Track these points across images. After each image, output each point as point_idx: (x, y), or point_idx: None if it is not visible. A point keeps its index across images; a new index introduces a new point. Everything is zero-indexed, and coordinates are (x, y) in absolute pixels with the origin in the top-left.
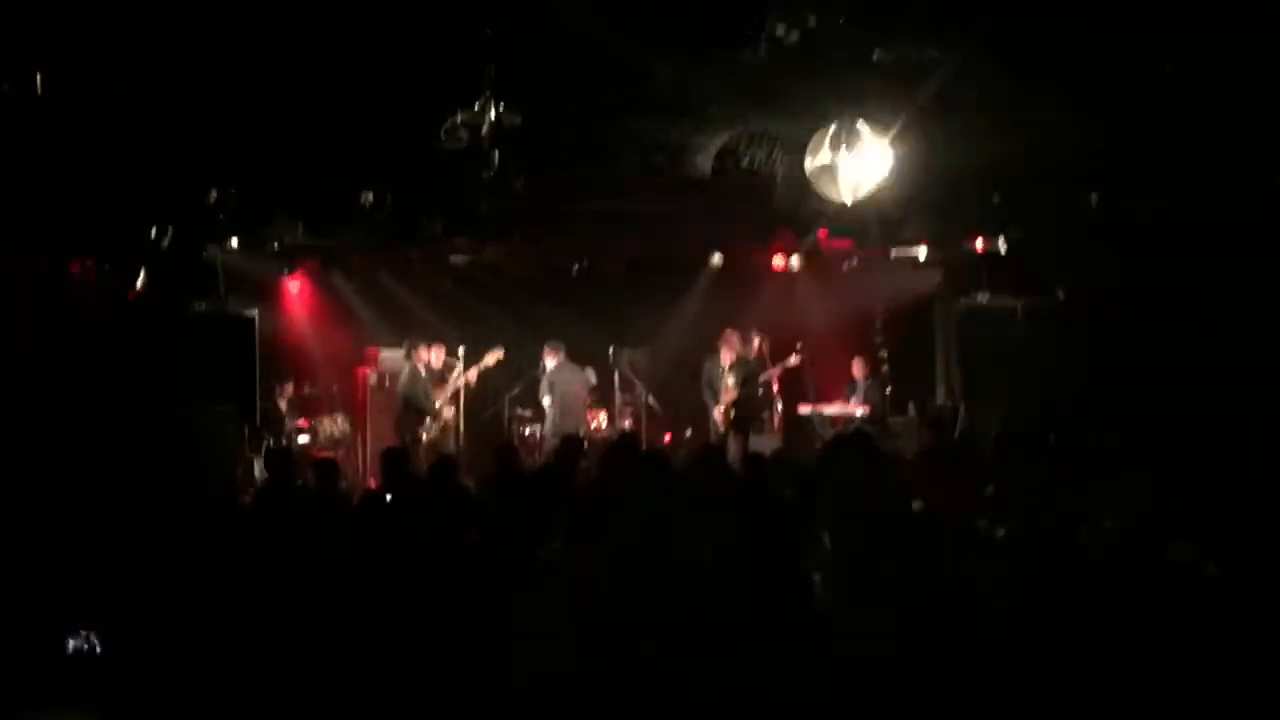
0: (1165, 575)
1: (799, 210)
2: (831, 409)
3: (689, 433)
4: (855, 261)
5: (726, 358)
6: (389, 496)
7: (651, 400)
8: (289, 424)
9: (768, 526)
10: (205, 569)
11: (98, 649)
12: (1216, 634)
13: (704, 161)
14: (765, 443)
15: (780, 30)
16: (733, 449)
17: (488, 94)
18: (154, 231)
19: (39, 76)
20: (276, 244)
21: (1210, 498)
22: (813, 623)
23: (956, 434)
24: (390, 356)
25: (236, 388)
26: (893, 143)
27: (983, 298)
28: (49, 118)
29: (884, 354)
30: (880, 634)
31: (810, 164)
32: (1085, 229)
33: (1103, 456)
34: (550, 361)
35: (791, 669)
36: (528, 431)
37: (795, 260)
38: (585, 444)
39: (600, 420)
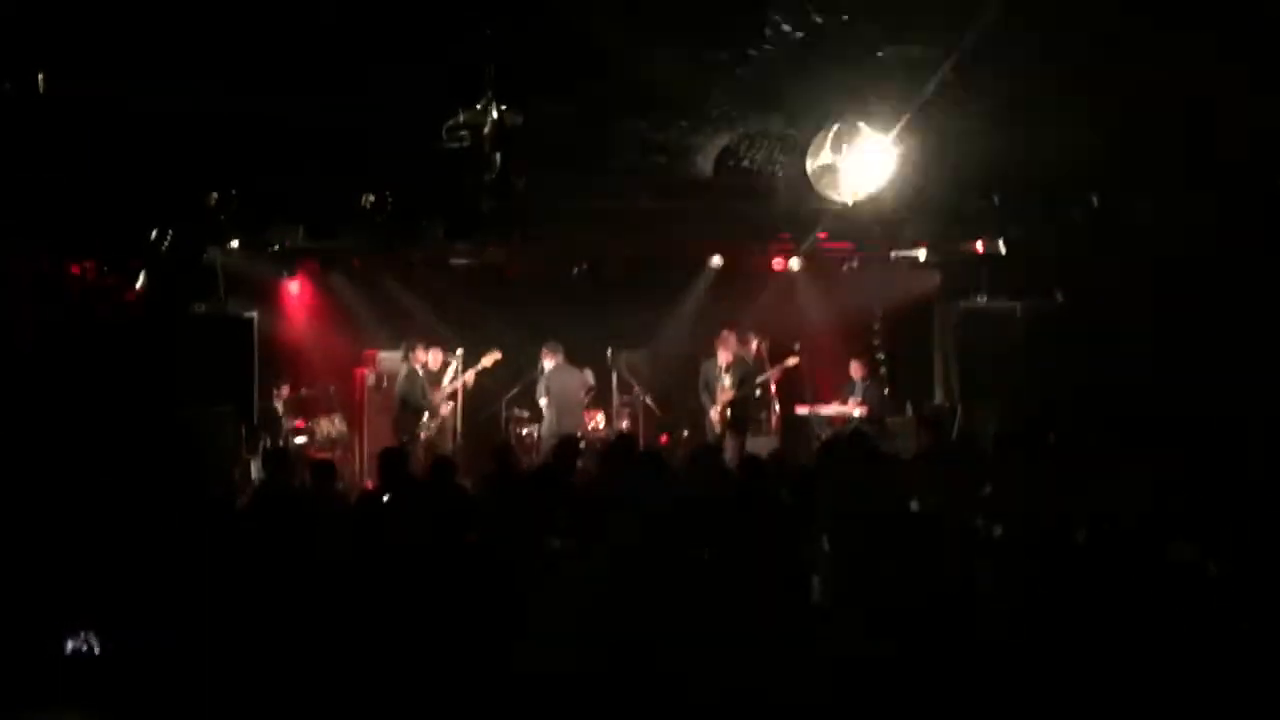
0: (1165, 575)
1: (799, 211)
2: (829, 409)
3: (686, 434)
4: (855, 263)
5: (723, 358)
6: (386, 497)
7: (649, 401)
8: (285, 425)
9: (766, 527)
10: (204, 569)
11: (98, 649)
12: (1216, 634)
13: (704, 162)
14: (763, 443)
15: (786, 27)
16: (730, 449)
17: (488, 94)
18: (154, 234)
19: (40, 76)
20: (276, 246)
21: (1210, 498)
22: (811, 623)
23: (954, 435)
24: (388, 358)
25: (235, 389)
26: (894, 143)
27: (982, 299)
28: (49, 118)
29: (882, 356)
30: (879, 634)
31: (811, 165)
32: (1085, 230)
33: (1103, 456)
34: (548, 363)
35: (790, 669)
36: (525, 432)
37: (795, 261)
38: (583, 444)
39: (598, 421)
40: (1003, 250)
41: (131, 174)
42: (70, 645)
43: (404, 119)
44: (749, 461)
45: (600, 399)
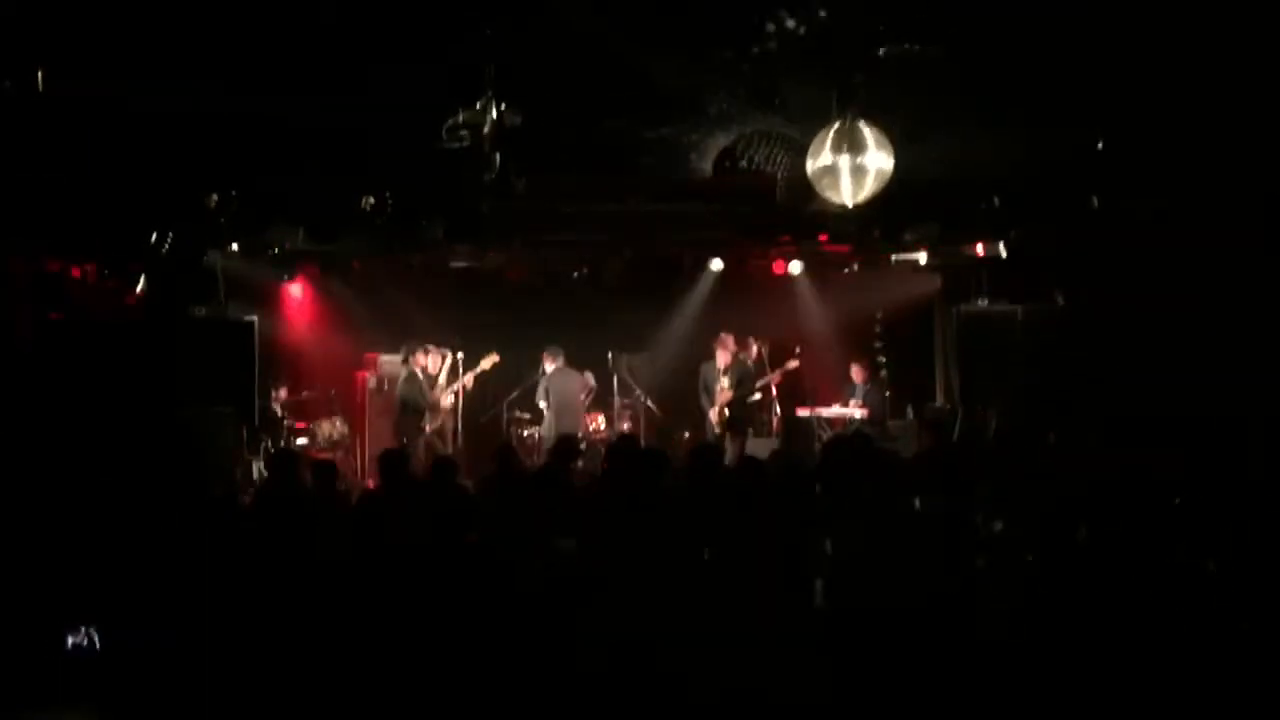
0: (1165, 575)
1: (800, 213)
2: (830, 411)
3: (686, 435)
4: (855, 266)
5: (722, 360)
6: (387, 497)
7: (650, 404)
8: (285, 426)
9: (767, 527)
10: (205, 569)
11: (98, 649)
12: (1216, 634)
13: (704, 163)
14: (764, 445)
15: (790, 24)
16: (729, 451)
17: (488, 94)
18: (154, 236)
19: (40, 76)
20: (276, 250)
21: (1210, 498)
22: (812, 623)
23: (955, 437)
24: (389, 361)
25: (235, 392)
26: (894, 145)
27: (983, 303)
28: (49, 118)
29: (883, 359)
30: (879, 635)
31: (812, 166)
32: (1086, 232)
33: (1102, 456)
34: (549, 366)
35: (791, 669)
36: (526, 434)
37: (796, 264)
38: (583, 445)
39: (599, 423)
40: (1003, 254)
41: (131, 175)
42: (71, 645)
43: (404, 119)
44: (749, 462)
45: (601, 401)
